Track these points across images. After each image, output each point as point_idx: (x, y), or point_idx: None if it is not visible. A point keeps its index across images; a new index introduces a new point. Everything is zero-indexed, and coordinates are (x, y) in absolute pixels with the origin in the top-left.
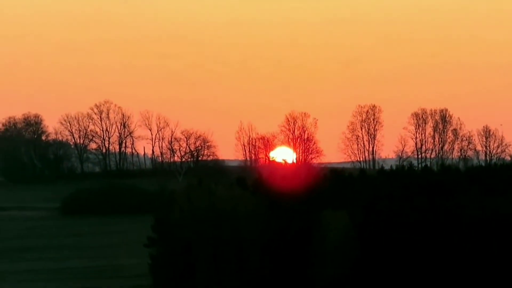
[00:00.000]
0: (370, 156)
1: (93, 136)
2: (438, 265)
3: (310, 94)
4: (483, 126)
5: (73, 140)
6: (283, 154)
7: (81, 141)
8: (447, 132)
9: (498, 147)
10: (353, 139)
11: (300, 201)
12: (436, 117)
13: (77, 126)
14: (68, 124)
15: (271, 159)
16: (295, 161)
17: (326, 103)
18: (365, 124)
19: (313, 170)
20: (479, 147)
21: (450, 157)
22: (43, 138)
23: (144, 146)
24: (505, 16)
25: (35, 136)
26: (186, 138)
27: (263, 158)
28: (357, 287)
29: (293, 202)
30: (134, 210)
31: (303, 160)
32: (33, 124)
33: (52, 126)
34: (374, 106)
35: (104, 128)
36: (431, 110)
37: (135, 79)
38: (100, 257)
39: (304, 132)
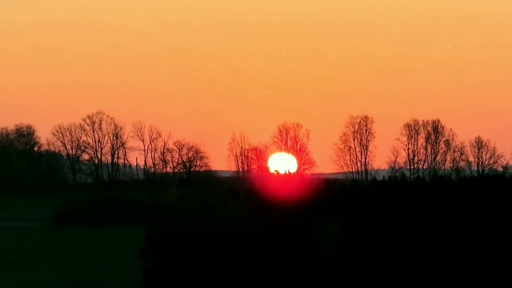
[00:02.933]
0: (363, 167)
1: (85, 147)
2: (430, 272)
3: (302, 105)
4: (475, 137)
5: (66, 151)
6: (283, 161)
7: (74, 152)
8: (439, 143)
9: (490, 158)
10: (346, 150)
11: (293, 212)
12: (428, 128)
13: (70, 137)
14: (61, 135)
15: (268, 168)
16: (290, 170)
17: (319, 114)
18: (358, 135)
19: (305, 181)
20: (471, 158)
21: (442, 168)
22: (36, 149)
23: (136, 157)
24: (496, 29)
25: (28, 147)
26: (179, 149)
27: (255, 168)
28: None
29: (286, 213)
30: (126, 221)
31: (296, 170)
32: (25, 135)
33: (45, 137)
34: (366, 117)
35: (97, 139)
36: (423, 121)
37: (128, 90)
38: (93, 268)
39: (297, 143)
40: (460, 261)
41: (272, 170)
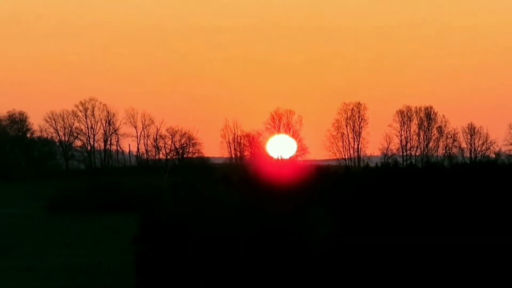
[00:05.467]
0: (355, 154)
1: (78, 134)
2: (423, 259)
3: (295, 91)
4: (468, 124)
5: (58, 138)
6: (282, 143)
7: (66, 139)
8: (432, 130)
9: (483, 144)
10: (338, 137)
11: (285, 199)
12: (421, 115)
13: (62, 123)
14: (53, 121)
15: (266, 151)
16: (283, 156)
17: (311, 101)
18: (350, 122)
19: (298, 167)
20: (464, 145)
21: (435, 154)
22: (28, 135)
23: (129, 144)
24: (490, 18)
25: (20, 134)
26: (171, 135)
27: (248, 155)
28: (343, 284)
29: (278, 199)
30: (119, 208)
31: (293, 154)
32: (18, 122)
33: (37, 123)
34: (359, 103)
35: (89, 125)
36: (416, 108)
37: (120, 76)
38: (86, 255)
39: (289, 130)
40: (453, 248)
41: (270, 153)
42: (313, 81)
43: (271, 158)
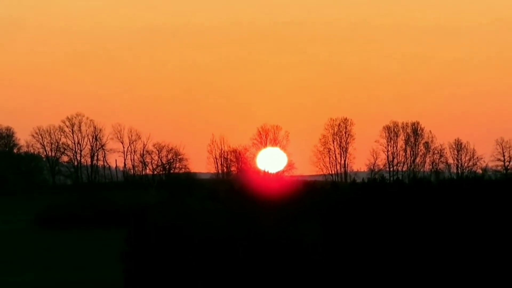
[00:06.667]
0: (342, 169)
1: (65, 149)
2: (409, 274)
3: (282, 107)
4: (455, 139)
5: (45, 153)
6: (273, 157)
7: (53, 154)
8: (418, 145)
9: (469, 160)
10: (325, 152)
11: (272, 213)
12: (407, 130)
13: (49, 139)
14: (40, 137)
15: (256, 165)
16: (269, 170)
17: (298, 116)
18: (337, 137)
19: (285, 182)
20: (450, 160)
21: (421, 170)
22: (15, 151)
23: (116, 159)
24: (477, 32)
25: (7, 149)
26: (158, 151)
27: (235, 170)
28: None
29: (265, 214)
30: (107, 223)
31: (283, 167)
32: (4, 137)
33: (24, 139)
34: (346, 119)
35: (76, 141)
36: (402, 123)
37: (107, 92)
38: (74, 271)
39: (276, 145)
40: (438, 264)
41: (260, 167)
42: (300, 96)
43: (259, 172)
